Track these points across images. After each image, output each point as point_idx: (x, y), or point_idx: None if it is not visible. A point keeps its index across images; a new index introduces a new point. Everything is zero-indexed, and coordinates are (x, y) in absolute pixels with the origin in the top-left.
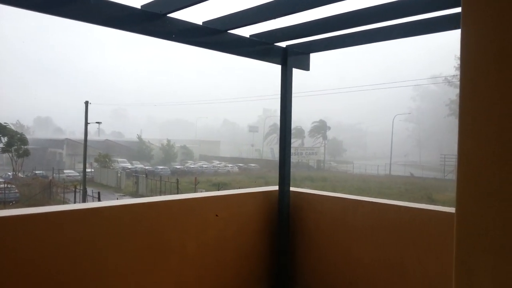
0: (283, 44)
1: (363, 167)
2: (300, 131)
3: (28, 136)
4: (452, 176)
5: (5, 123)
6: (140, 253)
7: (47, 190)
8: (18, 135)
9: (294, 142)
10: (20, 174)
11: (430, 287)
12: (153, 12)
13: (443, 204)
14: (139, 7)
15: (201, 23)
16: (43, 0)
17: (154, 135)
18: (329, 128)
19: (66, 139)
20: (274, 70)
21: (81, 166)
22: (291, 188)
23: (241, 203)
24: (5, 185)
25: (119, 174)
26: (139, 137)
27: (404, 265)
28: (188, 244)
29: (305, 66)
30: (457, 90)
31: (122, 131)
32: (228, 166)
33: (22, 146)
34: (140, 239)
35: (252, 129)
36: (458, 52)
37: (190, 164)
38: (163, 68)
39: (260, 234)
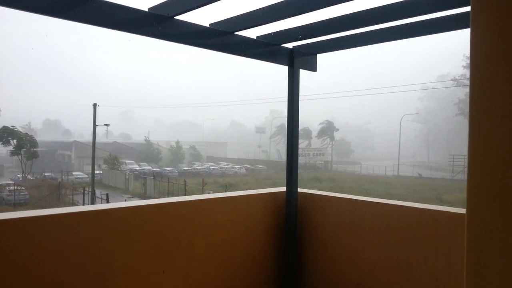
0: (289, 45)
1: (371, 167)
2: (307, 132)
3: (37, 139)
4: (461, 176)
5: (12, 126)
6: (148, 255)
7: (56, 192)
8: (27, 138)
9: (301, 143)
10: (29, 176)
11: None
12: (161, 14)
13: (453, 204)
14: (147, 10)
15: (208, 25)
16: (51, 4)
17: (161, 137)
18: (337, 129)
19: (75, 141)
20: (281, 71)
21: (89, 168)
22: (299, 189)
23: (248, 204)
24: (15, 187)
25: (127, 176)
26: (147, 139)
27: (412, 266)
28: (196, 245)
29: (312, 67)
30: (465, 89)
31: (130, 133)
32: (235, 168)
33: (31, 149)
34: (148, 241)
35: (259, 130)
36: (466, 51)
37: (198, 166)
38: (170, 70)
39: (267, 235)
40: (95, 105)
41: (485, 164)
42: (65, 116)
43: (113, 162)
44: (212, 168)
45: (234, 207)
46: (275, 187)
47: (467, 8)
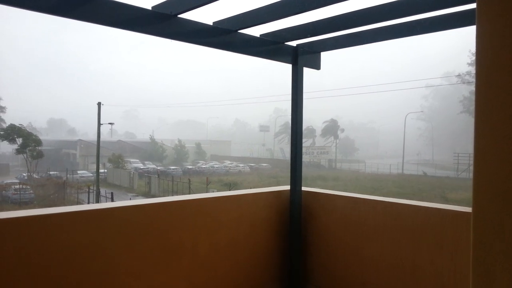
0: (293, 43)
1: (375, 166)
2: (311, 131)
3: (42, 138)
4: (466, 174)
5: (20, 124)
6: (152, 253)
7: (61, 191)
8: (33, 137)
9: (306, 142)
10: (34, 175)
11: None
12: (164, 13)
13: (458, 203)
14: (150, 8)
15: (211, 23)
16: (56, 3)
17: (165, 136)
18: (341, 128)
19: (79, 140)
20: (285, 69)
21: (94, 166)
22: (303, 188)
23: (252, 203)
24: (20, 185)
25: (131, 175)
26: (152, 138)
27: (417, 265)
28: (200, 244)
29: (316, 65)
30: (470, 87)
31: (134, 131)
32: (239, 166)
33: (36, 148)
34: (152, 239)
35: (263, 128)
36: (472, 48)
37: (202, 164)
38: (173, 69)
39: (272, 233)
40: (99, 104)
41: (491, 162)
42: (70, 115)
43: (118, 160)
44: (216, 167)
45: (238, 206)
46: (279, 185)
47: (473, 5)
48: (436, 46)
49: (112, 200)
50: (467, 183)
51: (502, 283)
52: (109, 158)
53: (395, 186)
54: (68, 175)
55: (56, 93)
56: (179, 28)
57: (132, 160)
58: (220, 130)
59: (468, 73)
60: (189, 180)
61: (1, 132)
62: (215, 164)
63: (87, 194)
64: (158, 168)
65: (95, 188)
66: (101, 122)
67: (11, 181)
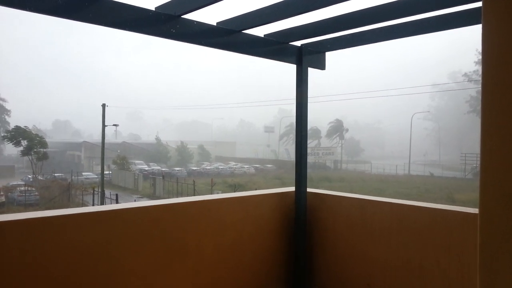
0: (298, 43)
1: (381, 167)
2: (316, 131)
3: (47, 139)
4: (472, 175)
5: (25, 126)
6: (156, 255)
7: (66, 193)
8: (38, 139)
9: (311, 143)
10: (39, 177)
11: None
12: (168, 13)
13: (465, 204)
14: (153, 9)
15: (215, 24)
16: (60, 5)
17: (170, 137)
18: (347, 129)
19: (84, 141)
20: (290, 70)
21: (99, 168)
22: (308, 189)
23: (257, 204)
24: (26, 187)
25: (136, 176)
26: (157, 139)
27: (423, 266)
28: (204, 245)
29: (321, 65)
30: (477, 87)
31: (139, 133)
32: (244, 167)
33: (42, 149)
34: (157, 241)
35: (268, 129)
36: (479, 47)
37: (206, 166)
38: (177, 70)
39: (277, 235)
40: (103, 106)
41: (498, 162)
42: (75, 116)
43: (122, 162)
44: (221, 168)
45: (242, 207)
46: (284, 187)
47: (479, 4)
48: (442, 45)
49: (117, 202)
50: (475, 183)
51: (510, 284)
52: (113, 159)
53: (402, 187)
54: (73, 177)
55: (61, 95)
56: (183, 28)
57: (136, 161)
58: (225, 131)
59: (475, 72)
60: (194, 181)
61: (7, 135)
62: (220, 165)
63: (92, 196)
64: (163, 169)
65: (100, 190)
66: (106, 124)
67: (16, 183)
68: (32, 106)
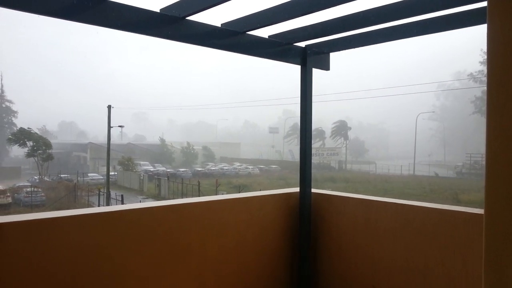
0: (302, 44)
1: (386, 167)
2: (321, 132)
3: (53, 141)
4: (477, 176)
5: (28, 128)
6: (161, 255)
7: (72, 193)
8: (43, 140)
9: (315, 143)
10: (46, 178)
11: None
12: (172, 15)
13: (470, 204)
14: (158, 11)
15: (219, 25)
16: (63, 7)
17: (175, 138)
18: (350, 128)
19: (90, 143)
20: (294, 71)
21: (104, 169)
22: (313, 190)
23: (262, 205)
24: (32, 188)
25: (141, 177)
26: (162, 140)
27: (428, 267)
28: (209, 246)
29: (325, 66)
30: (482, 87)
31: (144, 134)
32: (249, 168)
33: (47, 151)
34: (161, 242)
35: (273, 130)
36: (484, 47)
37: (211, 166)
38: (182, 71)
39: (281, 236)
40: (109, 107)
41: (503, 163)
42: (80, 117)
43: (128, 163)
44: (226, 169)
45: (247, 208)
46: (289, 187)
47: (484, 3)
48: (447, 45)
49: (122, 203)
50: (480, 184)
51: None
52: (119, 160)
53: (406, 187)
54: (78, 178)
55: (67, 96)
56: (187, 30)
57: (142, 162)
58: (230, 132)
59: (481, 72)
60: (199, 182)
61: (12, 137)
62: (225, 166)
63: (97, 197)
64: (168, 170)
65: (105, 191)
66: (112, 125)
67: (22, 184)
68: (38, 108)
